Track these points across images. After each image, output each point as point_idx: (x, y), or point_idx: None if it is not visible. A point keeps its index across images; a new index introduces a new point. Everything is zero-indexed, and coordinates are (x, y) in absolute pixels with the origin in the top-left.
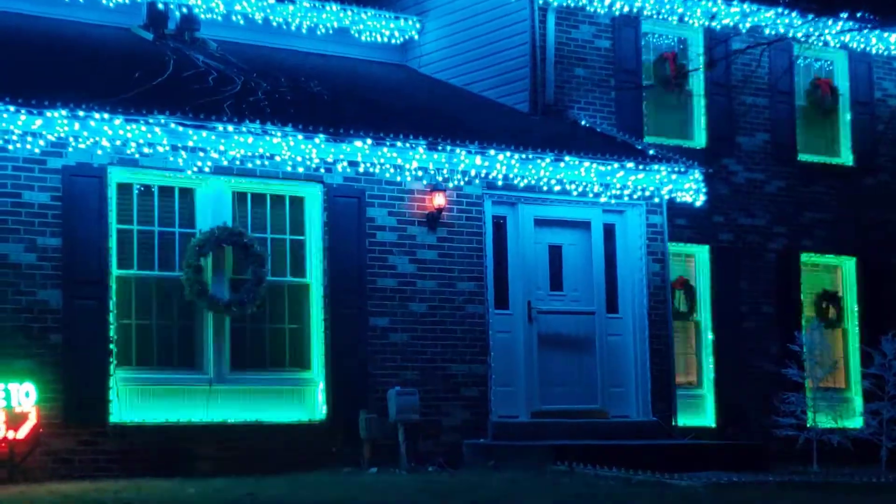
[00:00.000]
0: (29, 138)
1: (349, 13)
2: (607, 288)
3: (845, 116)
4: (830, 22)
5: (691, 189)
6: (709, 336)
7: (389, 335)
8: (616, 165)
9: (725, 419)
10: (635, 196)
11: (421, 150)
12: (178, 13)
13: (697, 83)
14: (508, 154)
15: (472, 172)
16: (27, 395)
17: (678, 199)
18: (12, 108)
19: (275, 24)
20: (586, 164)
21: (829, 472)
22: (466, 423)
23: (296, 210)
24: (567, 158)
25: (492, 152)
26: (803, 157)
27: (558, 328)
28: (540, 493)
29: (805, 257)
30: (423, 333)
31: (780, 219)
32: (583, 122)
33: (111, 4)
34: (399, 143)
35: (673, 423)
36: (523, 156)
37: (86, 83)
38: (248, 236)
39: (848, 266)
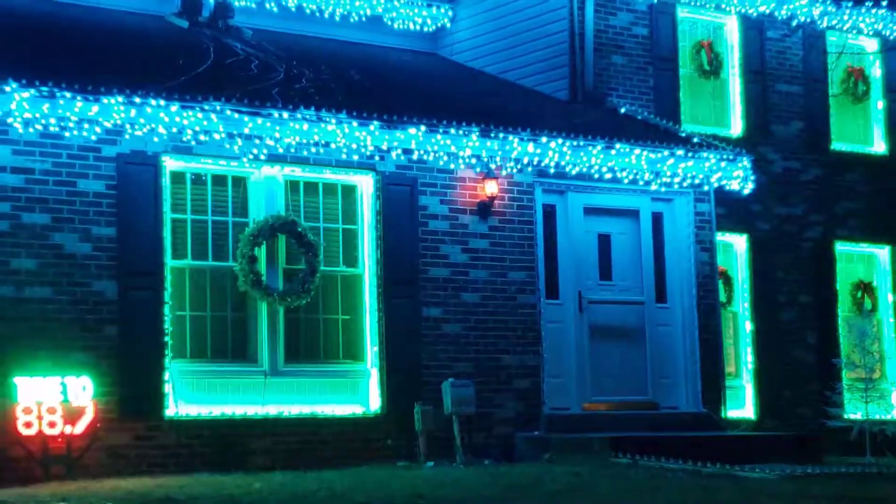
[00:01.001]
0: (85, 125)
1: (382, 0)
2: (656, 277)
3: (878, 104)
4: (864, 10)
5: (739, 177)
6: (747, 326)
7: (442, 326)
8: (666, 153)
9: (764, 410)
10: (685, 184)
11: (474, 136)
12: (212, 0)
13: (733, 71)
14: (560, 141)
15: (525, 160)
16: (84, 388)
17: (727, 187)
18: (68, 95)
19: (308, 11)
20: (637, 151)
21: (881, 462)
22: (519, 416)
23: (348, 199)
24: (618, 146)
25: (544, 139)
26: (836, 145)
27: (608, 318)
28: (621, 486)
29: (840, 246)
30: (476, 324)
31: (815, 208)
32: (622, 110)
33: None
34: (452, 130)
35: (722, 415)
36: (574, 143)
37: (131, 70)
38: (302, 225)
39: (882, 255)
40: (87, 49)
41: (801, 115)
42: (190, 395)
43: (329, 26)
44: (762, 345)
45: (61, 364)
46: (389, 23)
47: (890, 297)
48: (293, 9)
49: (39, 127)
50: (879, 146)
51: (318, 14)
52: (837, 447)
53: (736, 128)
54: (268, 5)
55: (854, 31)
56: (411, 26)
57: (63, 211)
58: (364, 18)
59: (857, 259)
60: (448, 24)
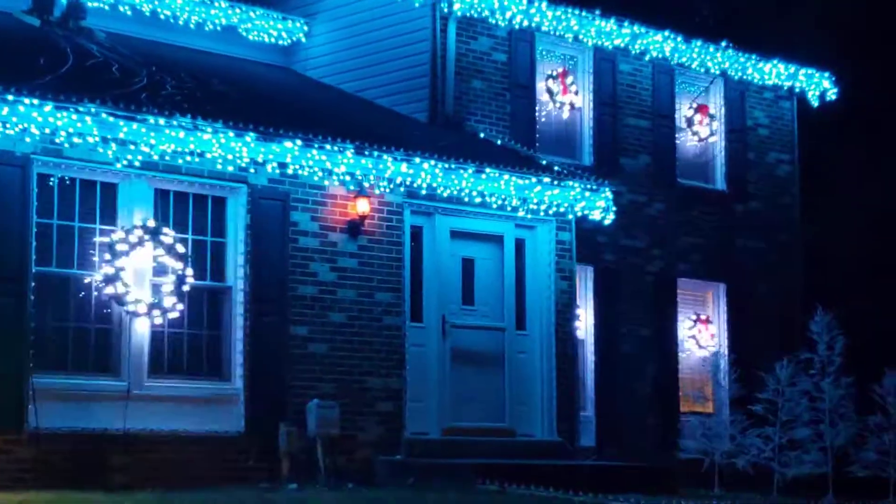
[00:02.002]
0: None
1: (237, 11)
2: (516, 304)
3: (720, 143)
4: (711, 49)
5: (601, 207)
6: (590, 357)
7: (308, 345)
8: (534, 180)
9: (605, 440)
10: (550, 212)
11: (349, 153)
12: (64, 0)
13: (586, 102)
14: (433, 162)
15: (399, 180)
16: None
17: (589, 217)
18: None
19: (162, 17)
20: (506, 176)
21: (736, 495)
22: (381, 439)
23: (218, 211)
24: (488, 170)
25: (417, 160)
26: (682, 181)
27: (470, 343)
28: None
29: (681, 282)
30: (342, 344)
31: (658, 242)
32: (481, 135)
33: None
34: (328, 146)
35: (576, 444)
36: (446, 165)
37: None
38: (172, 236)
39: (719, 291)
40: None
41: (648, 150)
42: (51, 409)
43: (183, 34)
44: (604, 375)
45: None
46: (245, 34)
47: (726, 334)
48: (147, 14)
49: None
50: (721, 183)
51: (172, 21)
52: (686, 479)
53: (587, 158)
54: (121, 8)
55: (702, 70)
56: (266, 38)
57: None
58: (219, 28)
59: (694, 294)
60: (304, 39)
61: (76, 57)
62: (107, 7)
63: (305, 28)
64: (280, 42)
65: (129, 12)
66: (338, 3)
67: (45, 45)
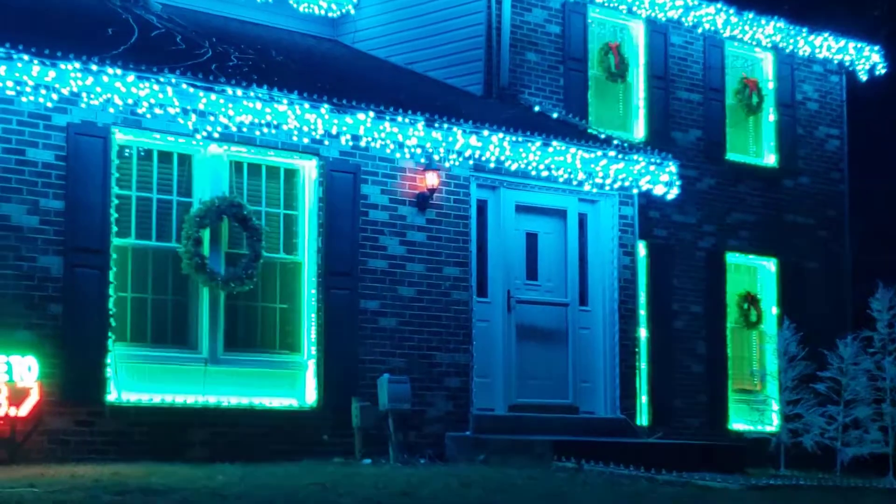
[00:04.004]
0: (42, 91)
1: None
2: (579, 279)
3: (770, 118)
4: (763, 21)
5: (665, 181)
6: (642, 333)
7: (379, 319)
8: (599, 153)
9: (656, 418)
10: (615, 186)
11: (420, 126)
12: None
13: (638, 75)
14: (501, 136)
15: (468, 153)
16: (29, 369)
17: (653, 192)
18: (26, 58)
19: None
20: (572, 150)
21: (806, 475)
22: (449, 415)
23: (290, 183)
24: (555, 143)
25: (486, 133)
26: (731, 156)
27: (534, 319)
28: (600, 494)
29: (731, 257)
30: (411, 319)
31: (708, 217)
32: (535, 108)
33: None
34: (399, 118)
35: (637, 422)
36: (514, 138)
37: (66, 38)
38: (248, 208)
39: (769, 267)
40: (7, 13)
41: (699, 124)
42: (131, 381)
43: (234, 5)
44: (656, 352)
45: (6, 342)
46: (295, 5)
47: (774, 310)
48: None
49: None
50: (770, 158)
51: None
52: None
53: (639, 132)
54: None
55: (753, 43)
56: (315, 10)
57: (11, 180)
58: None
59: (744, 270)
60: (352, 11)
61: (140, 28)
62: None
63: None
64: (329, 14)
65: None
66: None
67: (107, 16)
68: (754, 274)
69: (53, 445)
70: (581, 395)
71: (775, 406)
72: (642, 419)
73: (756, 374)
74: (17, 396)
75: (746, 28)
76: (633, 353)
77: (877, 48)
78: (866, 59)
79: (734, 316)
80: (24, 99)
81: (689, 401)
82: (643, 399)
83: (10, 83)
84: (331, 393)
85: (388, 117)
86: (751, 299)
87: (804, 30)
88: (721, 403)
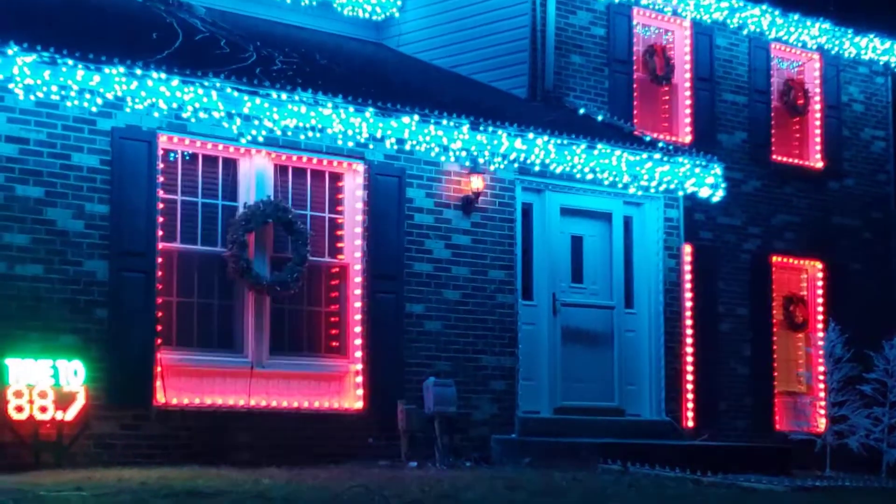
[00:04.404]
0: (86, 95)
1: None
2: (624, 282)
3: (816, 119)
4: (809, 23)
5: (710, 184)
6: (689, 337)
7: (424, 323)
8: (644, 156)
9: (702, 421)
10: (660, 188)
11: (465, 129)
12: None
13: (683, 78)
14: (546, 139)
15: (513, 156)
16: (75, 373)
17: (698, 195)
18: (70, 62)
19: None
20: (617, 152)
21: (851, 477)
22: (494, 418)
23: (335, 187)
24: (600, 146)
25: (531, 136)
26: (777, 158)
27: (579, 322)
28: (629, 495)
29: (776, 260)
30: (456, 322)
31: (754, 219)
32: (580, 111)
33: None
34: (444, 122)
35: (683, 425)
36: (559, 141)
37: (110, 42)
38: (293, 212)
39: (815, 270)
40: (52, 17)
41: (744, 126)
42: (177, 385)
43: (278, 9)
44: (701, 355)
45: (52, 346)
46: (339, 8)
47: (819, 312)
48: None
49: (40, 94)
50: (815, 160)
51: None
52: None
53: (684, 135)
54: None
55: (798, 44)
56: (360, 13)
57: (57, 185)
58: (314, 2)
59: (790, 272)
60: (396, 14)
61: (184, 32)
62: None
63: (399, 2)
64: (374, 17)
65: None
66: None
67: (151, 21)
68: (800, 276)
69: (99, 449)
70: (627, 397)
71: (821, 408)
72: (688, 421)
73: (802, 376)
74: (63, 400)
75: (792, 30)
76: (679, 355)
77: None
78: None
79: (779, 318)
80: (69, 103)
81: (735, 403)
82: (689, 401)
83: (54, 87)
84: (376, 396)
85: (432, 121)
86: (796, 301)
87: (850, 31)
88: (766, 405)
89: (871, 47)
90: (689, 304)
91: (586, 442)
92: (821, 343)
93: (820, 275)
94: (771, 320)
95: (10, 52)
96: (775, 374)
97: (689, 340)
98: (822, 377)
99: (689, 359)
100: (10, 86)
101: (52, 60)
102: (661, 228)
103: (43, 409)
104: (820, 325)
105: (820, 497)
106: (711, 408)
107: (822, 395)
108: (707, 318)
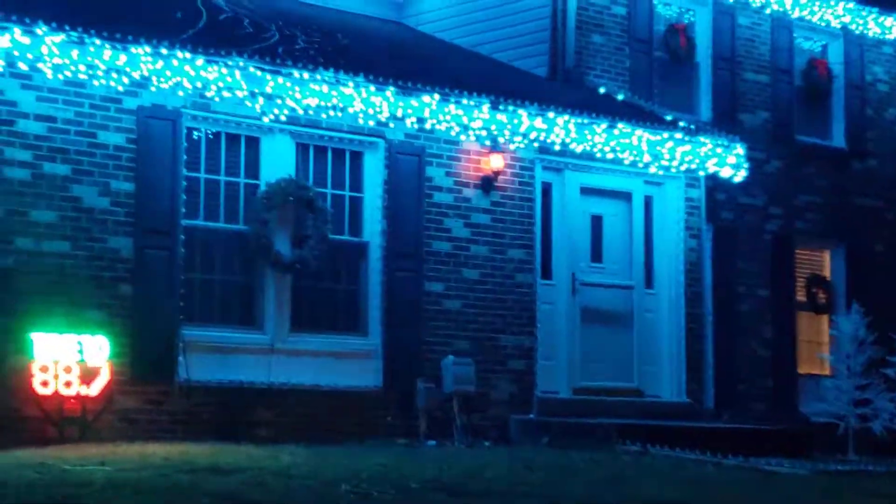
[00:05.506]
0: (113, 75)
1: None
2: (644, 262)
3: (839, 99)
4: (833, 2)
5: (732, 164)
6: (709, 317)
7: (443, 302)
8: (666, 135)
9: (720, 402)
10: (682, 168)
11: (485, 108)
12: None
13: (704, 57)
14: (566, 118)
15: (532, 136)
16: (100, 348)
17: (720, 174)
18: (98, 42)
19: None
20: (638, 132)
21: (874, 460)
22: (513, 397)
23: (355, 166)
24: (620, 125)
25: (551, 115)
26: (799, 137)
27: (598, 302)
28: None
29: (798, 241)
30: (475, 301)
31: (776, 200)
32: (601, 90)
33: None
34: (464, 101)
35: (703, 406)
36: (579, 120)
37: (136, 22)
38: (314, 190)
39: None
40: None
41: (766, 106)
42: (199, 361)
43: None
44: (722, 336)
45: (77, 322)
46: None
47: (842, 294)
48: None
49: (69, 74)
50: (838, 140)
51: None
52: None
53: (705, 114)
54: None
55: (822, 24)
56: None
57: (83, 163)
58: None
59: (811, 253)
60: None
61: (208, 12)
62: None
63: None
64: None
65: None
66: None
67: (176, 0)
68: (822, 257)
69: (123, 424)
70: (646, 378)
71: (844, 391)
72: (708, 403)
73: (824, 358)
74: (87, 376)
75: (815, 9)
76: (699, 336)
77: None
78: None
79: (801, 299)
80: (95, 83)
81: (755, 385)
82: (709, 383)
83: (82, 67)
84: (395, 374)
85: (453, 100)
86: (818, 282)
87: (874, 10)
88: (788, 388)
89: (895, 27)
90: (709, 284)
91: (605, 423)
92: (843, 325)
93: (842, 256)
94: (792, 302)
95: (39, 31)
96: (797, 355)
97: (710, 321)
98: (845, 360)
99: (710, 340)
100: (39, 65)
101: (80, 40)
102: (681, 208)
103: (68, 384)
104: (842, 307)
105: (843, 481)
106: (731, 389)
107: (844, 377)
108: (728, 299)
